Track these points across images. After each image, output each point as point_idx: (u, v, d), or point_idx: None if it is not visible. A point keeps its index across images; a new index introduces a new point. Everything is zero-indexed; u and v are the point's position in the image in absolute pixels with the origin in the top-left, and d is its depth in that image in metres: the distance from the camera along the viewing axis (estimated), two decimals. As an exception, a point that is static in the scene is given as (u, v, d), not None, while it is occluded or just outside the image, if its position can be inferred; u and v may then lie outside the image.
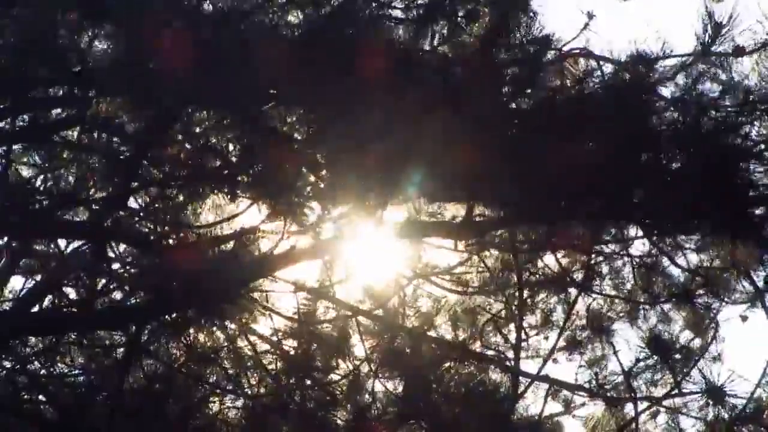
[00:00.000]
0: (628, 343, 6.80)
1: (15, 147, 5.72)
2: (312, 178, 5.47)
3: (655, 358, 6.59)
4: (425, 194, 5.70)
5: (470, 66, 5.82)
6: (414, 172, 5.35)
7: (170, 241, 5.73)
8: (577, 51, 5.92)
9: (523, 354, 6.70)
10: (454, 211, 5.91)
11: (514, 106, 5.67)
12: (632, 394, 6.59)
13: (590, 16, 5.70)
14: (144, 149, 5.47)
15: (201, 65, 4.90)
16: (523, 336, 6.58)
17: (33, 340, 5.93)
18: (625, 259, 6.48)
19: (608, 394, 6.83)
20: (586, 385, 6.75)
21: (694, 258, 6.41)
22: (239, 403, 6.17)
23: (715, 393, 6.19)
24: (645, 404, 6.64)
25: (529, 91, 5.71)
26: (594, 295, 6.69)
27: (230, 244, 5.61)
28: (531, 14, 5.98)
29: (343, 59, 5.18)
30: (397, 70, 5.48)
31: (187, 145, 5.55)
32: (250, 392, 6.16)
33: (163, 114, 5.34)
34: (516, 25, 5.86)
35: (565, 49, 5.99)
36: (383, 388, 6.03)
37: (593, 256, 6.36)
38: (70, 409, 5.75)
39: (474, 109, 5.35)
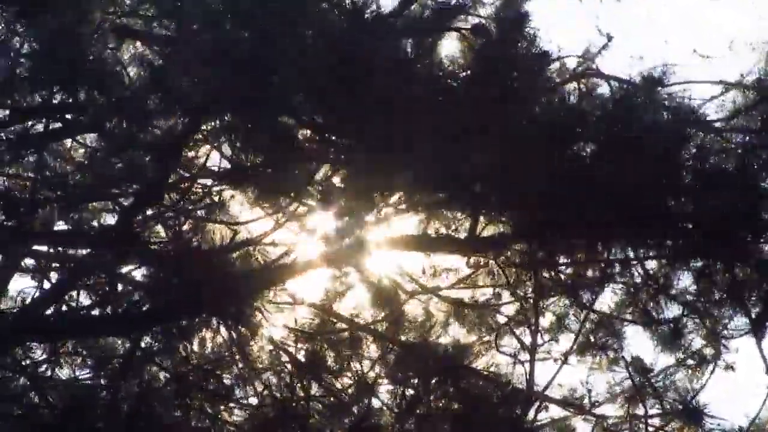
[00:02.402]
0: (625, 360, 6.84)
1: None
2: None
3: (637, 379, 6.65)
4: (432, 203, 5.76)
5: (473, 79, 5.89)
6: (420, 180, 5.42)
7: (181, 248, 5.73)
8: (588, 70, 5.97)
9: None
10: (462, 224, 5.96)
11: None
12: (628, 413, 6.68)
13: (609, 37, 5.74)
14: (172, 154, 5.51)
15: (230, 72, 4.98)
16: (539, 341, 6.59)
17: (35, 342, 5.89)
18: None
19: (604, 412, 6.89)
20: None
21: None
22: (240, 410, 6.17)
23: (693, 415, 6.31)
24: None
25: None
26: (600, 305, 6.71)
27: (241, 252, 5.67)
28: (531, 32, 6.01)
29: (356, 70, 5.25)
30: (405, 83, 5.56)
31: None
32: (250, 400, 6.18)
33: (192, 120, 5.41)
34: (517, 41, 5.90)
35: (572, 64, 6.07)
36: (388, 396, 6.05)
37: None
38: (70, 411, 5.71)
39: (478, 121, 5.43)
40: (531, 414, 6.45)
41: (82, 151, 6.37)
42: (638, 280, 6.33)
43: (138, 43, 5.94)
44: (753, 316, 5.79)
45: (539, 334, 6.64)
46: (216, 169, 5.96)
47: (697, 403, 6.31)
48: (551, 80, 5.99)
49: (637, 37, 6.31)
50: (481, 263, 6.36)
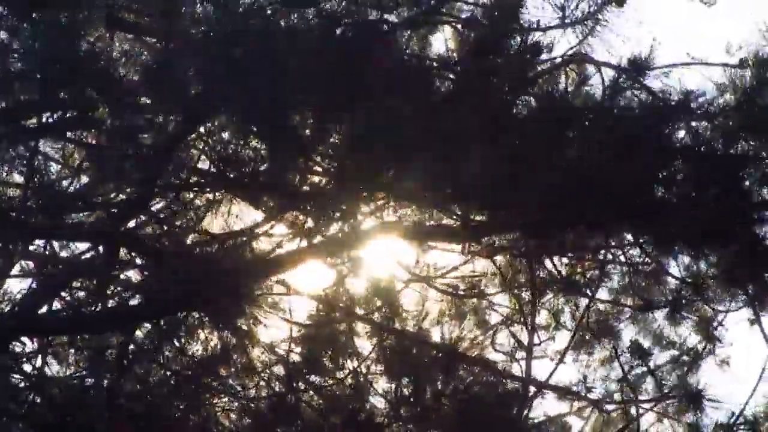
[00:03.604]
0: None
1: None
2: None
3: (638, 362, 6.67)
4: (426, 196, 5.75)
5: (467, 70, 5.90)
6: (416, 174, 5.42)
7: (176, 244, 5.74)
8: (578, 57, 5.97)
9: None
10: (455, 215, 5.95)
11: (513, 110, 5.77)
12: (623, 399, 6.68)
13: (597, 20, 5.72)
14: (165, 154, 5.51)
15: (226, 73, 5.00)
16: (535, 339, 6.59)
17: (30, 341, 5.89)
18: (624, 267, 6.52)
19: (599, 399, 6.89)
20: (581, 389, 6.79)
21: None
22: (237, 405, 6.16)
23: (694, 398, 6.32)
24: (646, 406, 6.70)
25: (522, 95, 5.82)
26: (596, 299, 6.70)
27: (234, 245, 5.68)
28: (522, 23, 6.03)
29: (350, 62, 5.27)
30: (400, 73, 5.57)
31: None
32: (246, 395, 6.17)
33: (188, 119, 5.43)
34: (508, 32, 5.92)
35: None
36: (383, 392, 6.03)
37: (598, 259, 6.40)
38: (66, 410, 5.70)
39: (472, 114, 5.44)
40: (530, 408, 6.48)
41: (75, 152, 6.37)
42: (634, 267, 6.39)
43: (133, 38, 5.95)
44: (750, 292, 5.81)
45: (535, 331, 6.65)
46: (210, 168, 5.96)
47: (696, 387, 6.31)
48: (542, 70, 6.01)
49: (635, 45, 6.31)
50: (476, 250, 6.37)
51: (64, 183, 6.10)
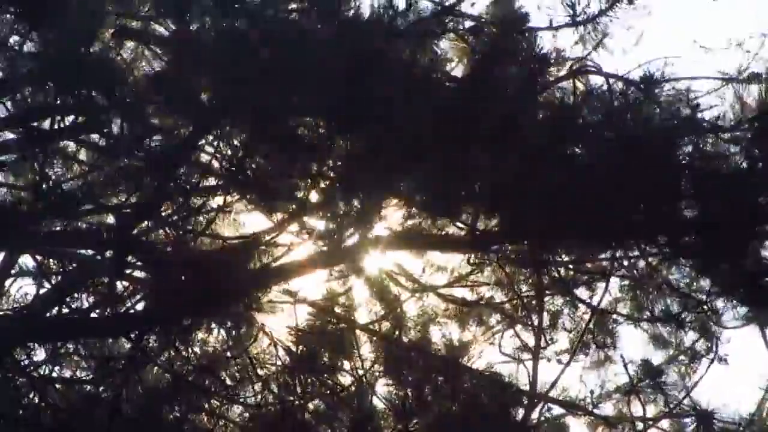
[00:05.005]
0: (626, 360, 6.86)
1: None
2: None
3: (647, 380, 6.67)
4: (430, 205, 5.76)
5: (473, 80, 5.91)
6: (419, 182, 5.43)
7: (181, 249, 5.75)
8: (587, 68, 5.98)
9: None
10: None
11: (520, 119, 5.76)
12: (630, 413, 6.69)
13: (605, 34, 5.75)
14: (175, 159, 5.52)
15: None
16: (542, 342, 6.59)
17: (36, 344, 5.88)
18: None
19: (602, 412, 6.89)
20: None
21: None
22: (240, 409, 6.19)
23: (704, 418, 6.33)
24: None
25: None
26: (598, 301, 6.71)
27: (239, 253, 5.69)
28: (530, 34, 6.03)
29: (358, 68, 5.28)
30: (403, 82, 5.58)
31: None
32: (250, 400, 6.18)
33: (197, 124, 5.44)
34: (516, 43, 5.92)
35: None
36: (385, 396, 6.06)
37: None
38: (71, 415, 5.71)
39: (477, 124, 5.44)
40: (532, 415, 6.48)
41: (83, 156, 6.38)
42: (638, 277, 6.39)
43: (141, 45, 5.96)
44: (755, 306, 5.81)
45: (542, 335, 6.65)
46: (218, 173, 5.96)
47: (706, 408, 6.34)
48: (549, 81, 6.01)
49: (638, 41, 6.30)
50: (481, 260, 6.37)
51: (74, 187, 6.07)
